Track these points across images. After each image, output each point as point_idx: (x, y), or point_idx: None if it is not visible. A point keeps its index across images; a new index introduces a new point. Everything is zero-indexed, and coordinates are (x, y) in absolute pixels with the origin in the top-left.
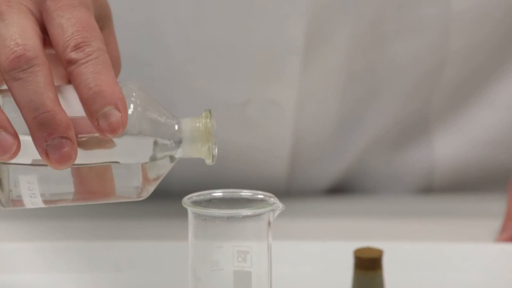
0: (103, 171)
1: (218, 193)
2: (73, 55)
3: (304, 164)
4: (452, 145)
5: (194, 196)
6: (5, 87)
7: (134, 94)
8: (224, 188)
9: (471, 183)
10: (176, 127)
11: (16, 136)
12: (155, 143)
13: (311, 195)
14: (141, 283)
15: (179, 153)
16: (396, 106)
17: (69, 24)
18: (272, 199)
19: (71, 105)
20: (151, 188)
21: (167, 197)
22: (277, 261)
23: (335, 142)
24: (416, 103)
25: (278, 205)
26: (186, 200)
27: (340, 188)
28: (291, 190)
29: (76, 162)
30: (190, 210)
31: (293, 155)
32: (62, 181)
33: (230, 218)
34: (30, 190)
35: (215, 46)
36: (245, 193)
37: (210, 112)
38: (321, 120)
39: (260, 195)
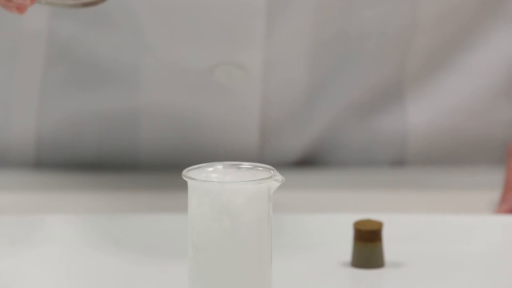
0: None
1: (218, 166)
2: None
3: (275, 133)
4: (426, 112)
5: (194, 168)
6: None
7: None
8: (195, 159)
9: (444, 153)
10: None
11: None
12: None
13: (284, 167)
14: (141, 255)
15: None
16: (367, 72)
17: None
18: (272, 171)
19: None
20: None
21: (137, 169)
22: (276, 233)
23: (305, 110)
24: (388, 69)
25: (278, 177)
26: (186, 172)
27: (312, 160)
28: (263, 161)
29: None
30: (190, 182)
31: (263, 124)
32: None
33: (230, 190)
34: None
35: (180, 9)
36: (245, 165)
37: None
38: (290, 87)
39: (260, 167)
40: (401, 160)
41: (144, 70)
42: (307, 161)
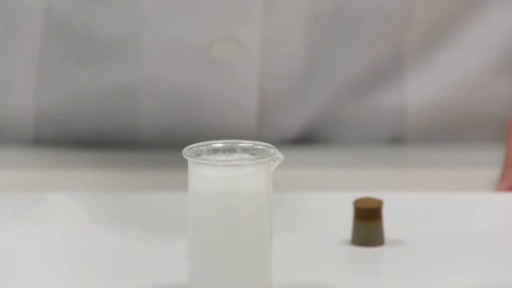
0: None
1: (218, 144)
2: None
3: (273, 111)
4: (425, 89)
5: (194, 146)
6: None
7: None
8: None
9: (443, 130)
10: None
11: None
12: None
13: (282, 144)
14: (140, 233)
15: None
16: (366, 48)
17: None
18: (272, 149)
19: None
20: None
21: (136, 147)
22: (276, 212)
23: (304, 87)
24: (387, 45)
25: (278, 155)
26: (187, 151)
27: (310, 138)
28: (261, 139)
29: None
30: (190, 160)
31: (261, 101)
32: None
33: (230, 168)
34: None
35: None
36: (245, 143)
37: None
38: (288, 64)
39: (260, 145)
40: (399, 138)
41: (142, 45)
42: (305, 139)
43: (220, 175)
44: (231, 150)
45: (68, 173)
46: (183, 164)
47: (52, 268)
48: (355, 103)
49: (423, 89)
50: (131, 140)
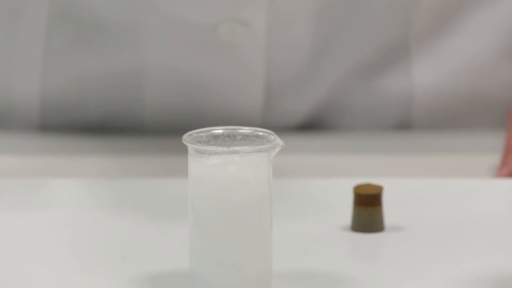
0: None
1: (218, 130)
2: None
3: (279, 96)
4: (432, 73)
5: (194, 133)
6: None
7: None
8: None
9: (450, 116)
10: None
11: None
12: None
13: (288, 130)
14: (144, 219)
15: None
16: (373, 32)
17: None
18: (272, 136)
19: None
20: None
21: (141, 133)
22: (277, 198)
23: (310, 71)
24: (394, 29)
25: (278, 142)
26: (187, 137)
27: (317, 124)
28: (267, 125)
29: None
30: (190, 146)
31: (267, 86)
32: None
33: (230, 154)
34: None
35: None
36: (245, 130)
37: None
38: (295, 48)
39: (260, 132)
40: (406, 123)
41: (147, 28)
42: (312, 125)
43: (220, 162)
44: (231, 136)
45: (73, 159)
46: (186, 150)
47: (54, 254)
48: (361, 88)
49: (430, 74)
50: (137, 125)
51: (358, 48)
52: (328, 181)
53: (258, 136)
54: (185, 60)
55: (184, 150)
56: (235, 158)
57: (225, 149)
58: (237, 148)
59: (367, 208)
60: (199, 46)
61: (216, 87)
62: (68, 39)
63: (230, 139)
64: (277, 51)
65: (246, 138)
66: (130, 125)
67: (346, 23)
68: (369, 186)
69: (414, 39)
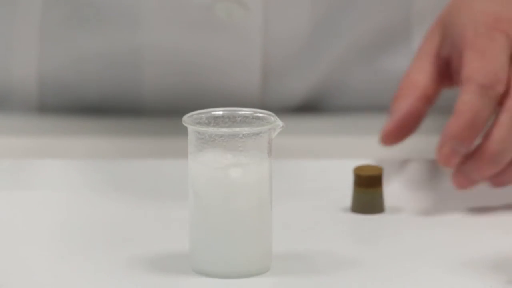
0: None
1: (218, 111)
2: None
3: (277, 75)
4: None
5: (194, 114)
6: None
7: None
8: (197, 103)
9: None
10: None
11: None
12: None
13: (287, 111)
14: (143, 200)
15: None
16: (374, 10)
17: None
18: (272, 117)
19: None
20: None
21: (139, 113)
22: (277, 179)
23: (309, 51)
24: (396, 8)
25: (278, 123)
26: (187, 118)
27: (316, 105)
28: (265, 106)
29: None
30: (190, 128)
31: (265, 66)
32: None
33: (230, 136)
34: None
35: None
36: (245, 111)
37: None
38: (293, 27)
39: (260, 113)
40: None
41: (144, 7)
42: (311, 105)
43: (219, 143)
44: (231, 117)
45: (71, 140)
46: (186, 130)
47: (51, 235)
48: (362, 67)
49: None
50: (135, 105)
51: (358, 27)
52: (328, 162)
53: (258, 118)
54: (182, 39)
55: (184, 129)
56: (235, 139)
57: (225, 130)
58: (237, 129)
59: (367, 190)
60: (196, 25)
61: (214, 65)
62: (64, 18)
63: (230, 120)
64: (275, 28)
65: (245, 119)
66: (129, 105)
67: (345, 2)
68: (369, 167)
69: (415, 18)
